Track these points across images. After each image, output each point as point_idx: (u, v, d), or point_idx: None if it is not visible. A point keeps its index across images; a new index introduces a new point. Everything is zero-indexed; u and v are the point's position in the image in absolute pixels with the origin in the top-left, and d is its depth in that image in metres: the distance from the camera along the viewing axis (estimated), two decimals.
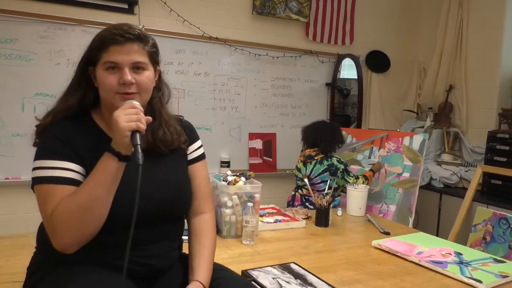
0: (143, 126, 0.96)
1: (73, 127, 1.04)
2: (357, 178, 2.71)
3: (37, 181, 0.99)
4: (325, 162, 2.73)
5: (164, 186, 1.09)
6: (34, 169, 1.00)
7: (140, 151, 0.93)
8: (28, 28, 2.72)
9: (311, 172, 2.77)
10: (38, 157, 1.01)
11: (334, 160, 2.73)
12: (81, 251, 0.98)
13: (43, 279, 1.02)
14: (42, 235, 1.08)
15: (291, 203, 2.84)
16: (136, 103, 0.99)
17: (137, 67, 1.03)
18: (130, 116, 0.95)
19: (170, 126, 1.14)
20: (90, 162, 1.00)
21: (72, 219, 0.93)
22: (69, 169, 0.99)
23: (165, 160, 1.13)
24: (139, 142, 0.94)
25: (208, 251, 1.14)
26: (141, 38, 1.04)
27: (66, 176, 0.98)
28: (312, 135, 2.85)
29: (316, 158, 2.77)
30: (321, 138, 2.79)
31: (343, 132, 3.37)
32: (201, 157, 1.23)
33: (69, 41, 2.82)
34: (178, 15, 3.14)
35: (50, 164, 0.98)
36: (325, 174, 2.71)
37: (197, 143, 1.24)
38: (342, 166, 2.71)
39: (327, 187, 2.30)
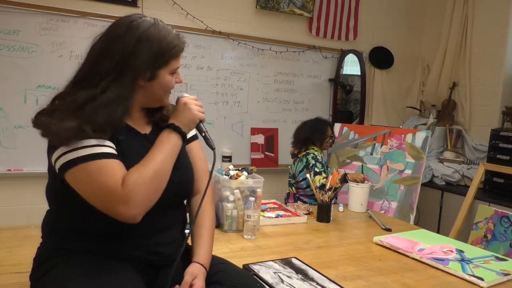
0: (205, 117, 1.13)
1: None
2: (316, 174, 2.56)
3: (84, 160, 0.93)
4: (304, 159, 2.73)
5: (179, 168, 1.10)
6: (71, 151, 0.94)
7: (210, 137, 1.11)
8: (31, 19, 2.71)
9: (295, 170, 2.79)
10: (72, 139, 0.95)
11: (310, 157, 2.70)
12: (92, 241, 1.00)
13: (48, 272, 1.01)
14: (50, 225, 1.08)
15: (287, 201, 2.86)
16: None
17: None
18: (199, 108, 1.11)
19: (168, 110, 1.18)
20: (119, 149, 1.00)
21: (148, 186, 0.97)
22: (110, 146, 0.98)
23: None
24: (206, 130, 1.13)
25: (206, 231, 1.17)
26: None
27: (112, 152, 0.97)
28: (294, 133, 2.92)
29: (299, 156, 2.79)
30: (296, 136, 2.86)
31: (346, 129, 3.37)
32: (194, 137, 1.27)
33: (72, 33, 2.81)
34: (182, 8, 3.13)
35: (91, 143, 0.95)
36: (303, 172, 2.70)
37: None
38: (312, 162, 2.66)
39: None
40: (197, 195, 1.22)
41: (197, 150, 1.25)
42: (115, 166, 0.96)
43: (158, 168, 0.99)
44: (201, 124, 1.12)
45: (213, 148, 1.09)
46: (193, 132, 1.26)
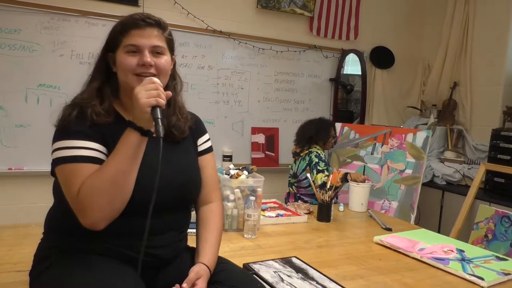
0: (163, 102, 0.98)
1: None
2: (318, 172, 2.58)
3: (60, 161, 0.98)
4: (307, 158, 2.73)
5: (182, 172, 1.11)
6: (56, 150, 1.00)
7: (161, 124, 0.95)
8: (32, 18, 2.72)
9: (297, 169, 2.78)
10: (58, 138, 1.01)
11: (313, 155, 2.71)
12: (91, 239, 0.99)
13: (48, 268, 1.01)
14: (51, 222, 1.09)
15: (287, 200, 2.86)
16: (155, 79, 1.00)
17: (156, 51, 1.06)
18: (150, 92, 0.96)
19: (183, 113, 1.17)
20: (112, 146, 0.99)
21: (101, 194, 0.94)
22: (91, 148, 1.00)
23: (180, 148, 1.16)
24: (159, 116, 0.96)
25: (213, 236, 1.16)
26: (160, 24, 1.08)
27: (89, 155, 0.99)
28: (297, 132, 2.92)
29: (301, 154, 2.79)
30: (299, 134, 2.86)
31: (347, 128, 3.37)
32: (210, 149, 1.27)
33: (72, 32, 2.80)
34: (182, 8, 3.13)
35: (72, 144, 0.99)
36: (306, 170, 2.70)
37: (206, 136, 1.27)
38: (316, 160, 2.67)
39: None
40: (206, 206, 1.22)
41: (207, 161, 1.24)
42: (86, 172, 0.96)
43: (114, 172, 0.94)
44: (157, 109, 0.96)
45: (160, 136, 0.94)
46: (208, 144, 1.26)
